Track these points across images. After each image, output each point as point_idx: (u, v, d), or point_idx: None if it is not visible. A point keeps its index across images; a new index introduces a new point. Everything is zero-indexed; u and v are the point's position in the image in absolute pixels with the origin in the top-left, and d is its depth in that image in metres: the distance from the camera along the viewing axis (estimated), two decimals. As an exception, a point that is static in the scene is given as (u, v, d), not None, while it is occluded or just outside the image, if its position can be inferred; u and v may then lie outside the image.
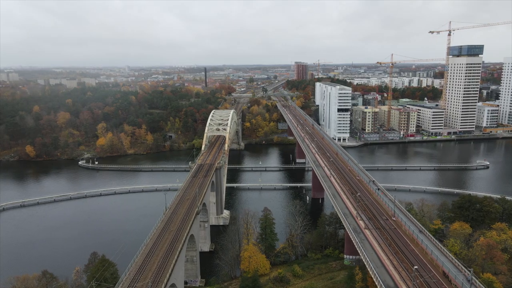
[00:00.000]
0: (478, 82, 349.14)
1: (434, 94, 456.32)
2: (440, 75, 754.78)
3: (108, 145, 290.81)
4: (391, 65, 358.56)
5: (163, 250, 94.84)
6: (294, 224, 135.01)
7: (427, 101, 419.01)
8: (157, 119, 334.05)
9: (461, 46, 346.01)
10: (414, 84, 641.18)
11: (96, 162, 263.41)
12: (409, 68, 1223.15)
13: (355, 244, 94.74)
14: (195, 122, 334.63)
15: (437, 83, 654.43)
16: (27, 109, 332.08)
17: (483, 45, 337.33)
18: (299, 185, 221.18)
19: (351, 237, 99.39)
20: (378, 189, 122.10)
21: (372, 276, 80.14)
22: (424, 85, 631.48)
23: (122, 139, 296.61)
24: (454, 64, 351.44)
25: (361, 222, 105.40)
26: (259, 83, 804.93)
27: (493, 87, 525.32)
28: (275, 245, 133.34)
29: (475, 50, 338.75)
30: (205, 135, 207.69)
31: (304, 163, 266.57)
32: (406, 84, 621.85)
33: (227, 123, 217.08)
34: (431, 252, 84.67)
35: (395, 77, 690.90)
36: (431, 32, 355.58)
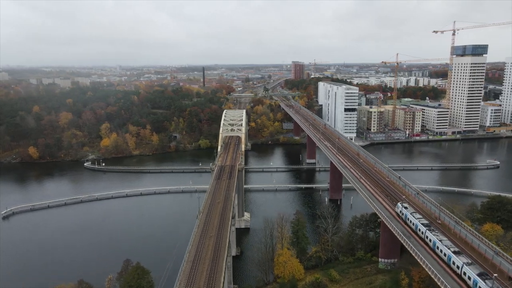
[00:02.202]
0: (482, 82, 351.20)
1: (435, 94, 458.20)
2: (436, 74, 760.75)
3: (112, 146, 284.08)
4: (396, 64, 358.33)
5: (208, 257, 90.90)
6: (326, 226, 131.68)
7: (429, 101, 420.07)
8: (161, 119, 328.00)
9: (465, 45, 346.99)
10: (411, 83, 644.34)
11: (103, 164, 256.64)
12: (401, 68, 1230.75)
13: (409, 248, 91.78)
14: (200, 122, 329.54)
15: (433, 82, 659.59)
16: (27, 109, 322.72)
17: (487, 45, 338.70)
18: (314, 186, 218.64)
19: (402, 241, 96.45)
20: (418, 193, 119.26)
21: (439, 283, 77.21)
22: (420, 84, 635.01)
23: (127, 139, 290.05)
24: (458, 64, 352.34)
25: (407, 226, 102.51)
26: (254, 82, 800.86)
27: (490, 86, 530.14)
28: (307, 249, 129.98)
29: (479, 50, 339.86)
30: (220, 135, 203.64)
31: (314, 163, 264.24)
32: (404, 83, 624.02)
33: (241, 123, 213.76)
34: (492, 257, 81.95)
35: (392, 76, 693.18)
36: (435, 31, 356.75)
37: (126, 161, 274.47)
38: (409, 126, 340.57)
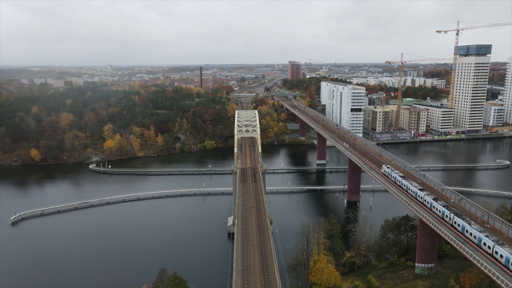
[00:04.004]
0: (486, 81, 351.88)
1: (436, 94, 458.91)
2: (431, 74, 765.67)
3: (117, 148, 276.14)
4: (400, 64, 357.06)
5: (257, 267, 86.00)
6: (360, 230, 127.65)
7: (430, 101, 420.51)
8: (165, 119, 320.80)
9: (468, 45, 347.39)
10: (408, 83, 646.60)
11: (109, 166, 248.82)
12: (392, 68, 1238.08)
13: (467, 255, 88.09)
14: (204, 122, 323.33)
15: (429, 82, 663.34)
16: (25, 110, 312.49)
17: (491, 45, 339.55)
18: (329, 187, 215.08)
19: (455, 245, 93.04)
20: (461, 198, 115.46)
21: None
22: (416, 84, 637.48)
23: (132, 141, 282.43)
24: (462, 64, 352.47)
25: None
26: (250, 82, 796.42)
27: (487, 86, 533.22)
28: (341, 254, 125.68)
29: (483, 50, 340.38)
30: (235, 137, 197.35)
31: (324, 164, 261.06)
32: (402, 83, 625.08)
33: (255, 124, 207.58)
34: None
35: (388, 76, 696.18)
36: (438, 31, 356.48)
37: (132, 163, 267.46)
38: (414, 126, 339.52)
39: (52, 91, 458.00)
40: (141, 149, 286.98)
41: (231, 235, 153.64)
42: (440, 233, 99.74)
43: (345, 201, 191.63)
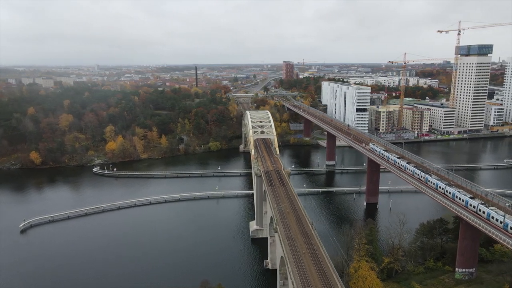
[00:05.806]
0: (488, 81, 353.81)
1: (434, 93, 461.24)
2: (423, 74, 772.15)
3: (120, 150, 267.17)
4: (403, 64, 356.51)
5: (315, 278, 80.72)
6: (397, 234, 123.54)
7: (429, 100, 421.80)
8: (167, 120, 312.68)
9: (470, 45, 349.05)
10: (403, 83, 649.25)
11: (115, 169, 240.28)
12: (380, 68, 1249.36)
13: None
14: (207, 123, 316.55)
15: (422, 82, 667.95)
16: (20, 111, 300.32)
17: (492, 45, 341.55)
18: (345, 189, 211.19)
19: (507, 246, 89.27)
20: (510, 205, 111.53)
21: None
22: (410, 84, 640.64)
23: (135, 142, 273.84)
24: (464, 64, 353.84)
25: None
26: (242, 82, 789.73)
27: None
28: (379, 260, 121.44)
29: (484, 50, 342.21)
30: (251, 138, 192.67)
31: (334, 165, 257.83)
32: (397, 83, 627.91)
33: (270, 125, 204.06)
34: None
35: (383, 76, 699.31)
36: (440, 31, 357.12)
37: (136, 166, 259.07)
38: (417, 126, 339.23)
39: (43, 91, 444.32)
40: (144, 151, 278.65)
41: (255, 241, 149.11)
42: (499, 240, 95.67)
43: (364, 203, 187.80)
